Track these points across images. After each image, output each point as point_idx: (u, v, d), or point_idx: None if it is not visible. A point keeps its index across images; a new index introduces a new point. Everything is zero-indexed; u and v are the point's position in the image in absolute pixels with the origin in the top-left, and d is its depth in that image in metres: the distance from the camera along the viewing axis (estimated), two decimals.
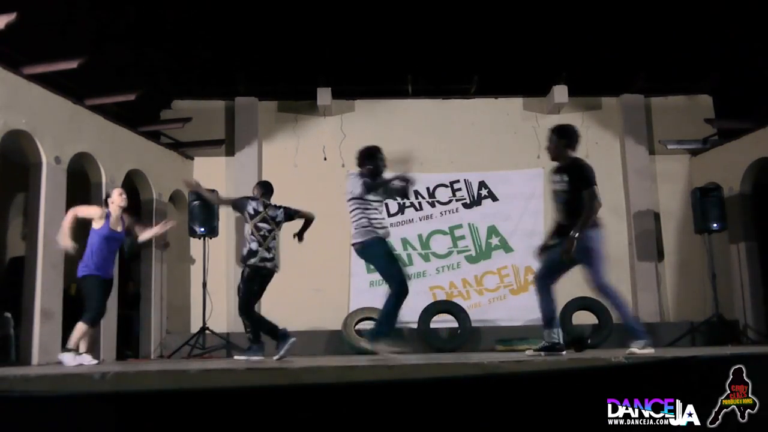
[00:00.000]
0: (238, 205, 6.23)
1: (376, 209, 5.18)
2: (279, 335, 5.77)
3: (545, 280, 4.86)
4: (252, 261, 5.95)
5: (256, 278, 6.01)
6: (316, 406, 2.82)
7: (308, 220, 6.31)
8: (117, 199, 5.72)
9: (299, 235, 6.25)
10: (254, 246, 5.97)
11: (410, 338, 8.41)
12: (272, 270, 6.15)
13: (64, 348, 5.49)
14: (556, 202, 4.87)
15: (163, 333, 8.44)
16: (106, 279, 5.70)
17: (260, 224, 6.10)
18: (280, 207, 6.26)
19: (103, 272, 5.65)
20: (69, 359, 5.35)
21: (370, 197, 5.14)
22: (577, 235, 4.52)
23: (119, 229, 5.75)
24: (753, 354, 3.95)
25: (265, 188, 6.38)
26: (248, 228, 6.03)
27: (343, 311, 8.57)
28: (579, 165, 4.75)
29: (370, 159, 5.23)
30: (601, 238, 4.63)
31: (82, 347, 5.66)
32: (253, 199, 6.19)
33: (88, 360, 5.57)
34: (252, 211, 6.08)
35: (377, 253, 5.16)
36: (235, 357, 6.18)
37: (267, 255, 6.04)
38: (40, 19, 6.39)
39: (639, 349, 4.38)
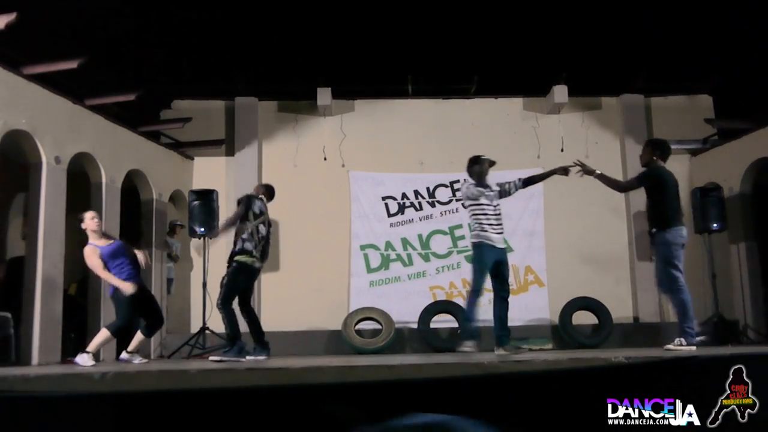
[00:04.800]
0: (245, 202, 6.08)
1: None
2: (237, 344, 5.73)
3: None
4: (243, 258, 5.93)
5: (243, 273, 5.98)
6: (316, 406, 2.81)
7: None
8: (90, 224, 5.73)
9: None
10: (249, 246, 5.94)
11: (410, 338, 8.44)
12: (259, 269, 6.19)
13: (84, 350, 5.57)
14: None
15: (163, 333, 8.44)
16: (139, 287, 5.73)
17: (261, 227, 6.09)
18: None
19: (132, 280, 5.68)
20: (84, 360, 5.45)
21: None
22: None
23: (111, 241, 5.78)
24: (753, 354, 3.95)
25: (271, 193, 6.45)
26: (249, 227, 5.97)
27: (343, 311, 8.56)
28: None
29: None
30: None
31: (132, 347, 5.88)
32: (258, 198, 6.19)
33: (137, 360, 5.85)
34: (257, 211, 6.06)
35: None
36: (210, 359, 6.10)
37: (258, 257, 6.06)
38: (40, 19, 6.39)
39: (675, 347, 5.15)
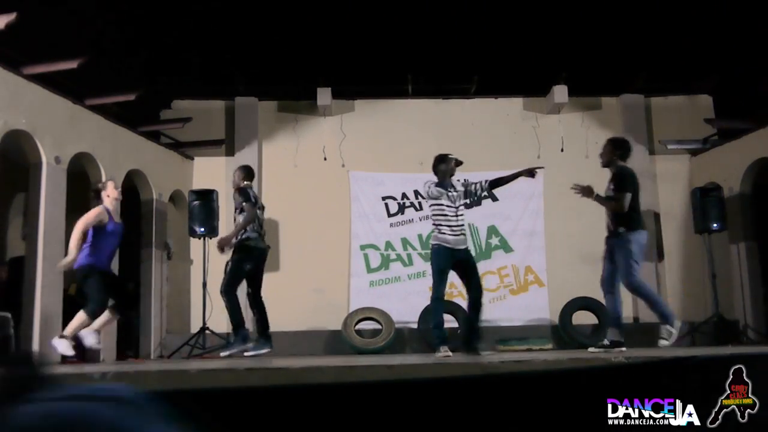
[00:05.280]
0: (245, 197, 6.03)
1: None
2: (240, 333, 5.71)
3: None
4: (246, 242, 5.90)
5: (249, 258, 5.93)
6: (316, 406, 2.82)
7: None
8: (113, 192, 5.63)
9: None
10: (252, 234, 5.95)
11: (410, 338, 8.44)
12: (265, 249, 6.09)
13: (61, 335, 5.39)
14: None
15: (163, 333, 8.45)
16: (107, 272, 5.65)
17: (259, 212, 6.09)
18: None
19: (104, 265, 5.58)
20: (63, 346, 5.26)
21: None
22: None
23: (118, 220, 5.72)
24: (753, 354, 3.96)
25: (250, 173, 6.32)
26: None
27: (343, 311, 8.56)
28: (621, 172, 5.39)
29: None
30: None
31: (96, 326, 5.53)
32: (249, 188, 6.15)
33: (92, 340, 5.42)
34: (254, 199, 6.03)
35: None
36: (221, 354, 6.09)
37: (261, 239, 6.04)
38: (40, 19, 6.38)
39: (666, 338, 5.18)
